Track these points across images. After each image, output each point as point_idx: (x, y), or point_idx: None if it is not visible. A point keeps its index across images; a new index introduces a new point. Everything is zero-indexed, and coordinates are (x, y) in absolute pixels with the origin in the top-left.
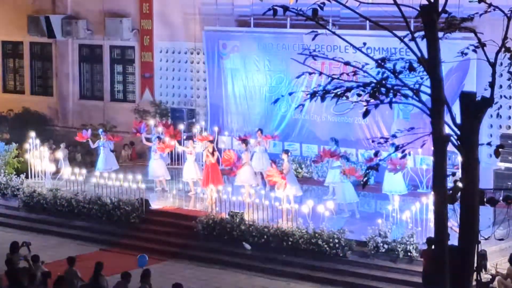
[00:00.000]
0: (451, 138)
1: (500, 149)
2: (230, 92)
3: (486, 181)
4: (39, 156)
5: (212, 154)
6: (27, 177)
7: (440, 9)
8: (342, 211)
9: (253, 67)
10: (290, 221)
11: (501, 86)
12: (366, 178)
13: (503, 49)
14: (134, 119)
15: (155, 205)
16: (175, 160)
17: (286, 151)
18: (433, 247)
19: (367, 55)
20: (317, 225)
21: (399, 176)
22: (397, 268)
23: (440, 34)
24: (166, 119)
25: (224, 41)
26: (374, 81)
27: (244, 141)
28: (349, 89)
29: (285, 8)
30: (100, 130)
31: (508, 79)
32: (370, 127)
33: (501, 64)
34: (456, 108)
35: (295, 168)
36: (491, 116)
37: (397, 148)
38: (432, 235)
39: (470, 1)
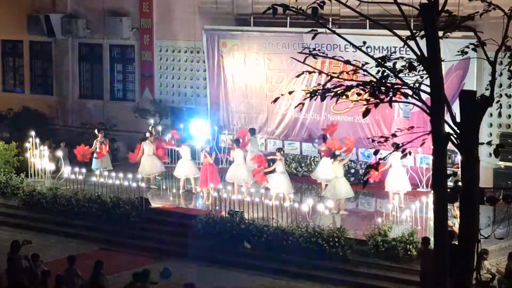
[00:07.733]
0: (451, 137)
1: (500, 149)
2: (230, 91)
3: (486, 180)
4: (39, 155)
5: (210, 154)
6: (27, 176)
7: (440, 8)
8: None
9: (253, 66)
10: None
11: (501, 85)
12: (365, 177)
13: (503, 48)
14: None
15: (154, 203)
16: (175, 158)
17: (279, 149)
18: (430, 246)
19: (367, 54)
20: (316, 223)
21: (402, 174)
22: (397, 267)
23: (440, 33)
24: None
25: (224, 40)
26: (374, 80)
27: (236, 140)
28: (349, 88)
29: (285, 7)
30: (96, 130)
31: (508, 78)
32: (370, 126)
33: (501, 63)
34: (456, 107)
35: (295, 167)
36: (491, 115)
37: (398, 146)
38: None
39: (470, 0)
